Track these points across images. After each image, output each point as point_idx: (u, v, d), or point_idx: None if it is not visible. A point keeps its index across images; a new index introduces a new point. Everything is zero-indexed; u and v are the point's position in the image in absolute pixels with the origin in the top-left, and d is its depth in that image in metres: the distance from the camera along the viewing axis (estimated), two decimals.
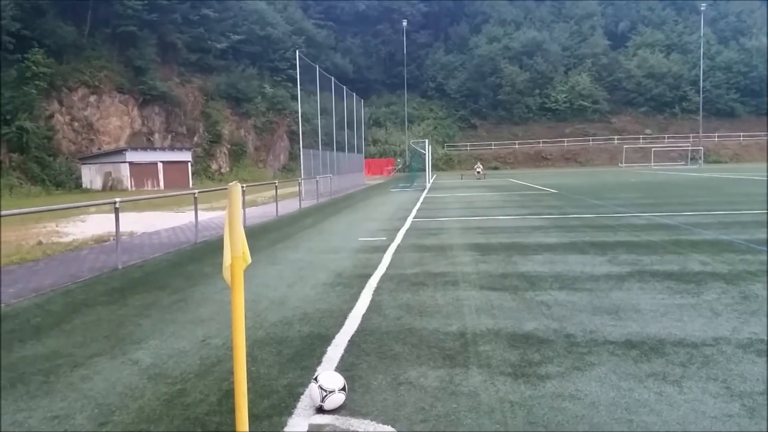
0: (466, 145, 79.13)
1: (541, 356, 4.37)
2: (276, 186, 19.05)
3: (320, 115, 30.07)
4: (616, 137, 77.95)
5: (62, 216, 18.22)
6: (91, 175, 44.59)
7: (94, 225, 15.69)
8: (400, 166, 70.52)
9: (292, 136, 62.59)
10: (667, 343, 4.58)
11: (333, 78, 32.80)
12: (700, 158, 69.00)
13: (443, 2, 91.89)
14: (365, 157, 53.27)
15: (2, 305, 6.59)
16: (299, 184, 22.56)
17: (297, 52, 28.13)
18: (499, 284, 6.91)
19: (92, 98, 49.54)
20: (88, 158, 45.45)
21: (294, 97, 48.77)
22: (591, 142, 78.09)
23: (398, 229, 12.95)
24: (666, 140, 76.42)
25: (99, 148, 47.98)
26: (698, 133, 72.69)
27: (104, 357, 4.72)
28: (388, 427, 3.29)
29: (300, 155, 27.55)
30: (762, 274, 6.96)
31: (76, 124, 48.11)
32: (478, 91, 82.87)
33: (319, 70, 29.31)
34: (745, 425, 3.16)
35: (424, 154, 39.14)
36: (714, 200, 18.21)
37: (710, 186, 26.24)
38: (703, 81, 74.58)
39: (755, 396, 3.53)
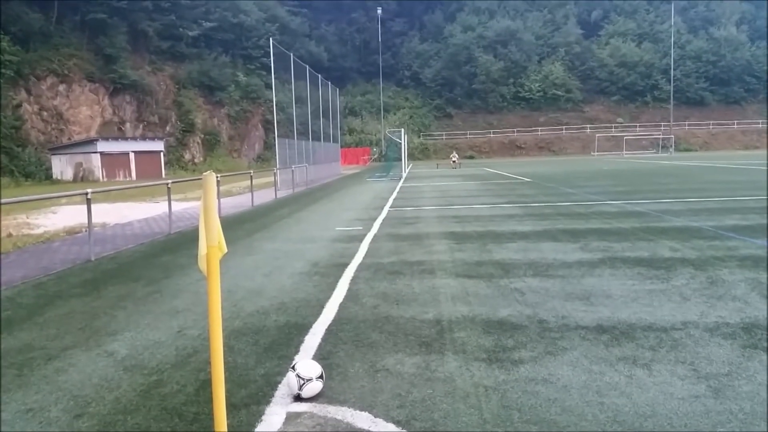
0: (442, 134, 79.35)
1: (515, 342, 4.45)
2: (251, 176, 18.92)
3: (295, 104, 29.86)
4: (588, 126, 78.82)
5: (33, 207, 17.88)
6: (61, 166, 43.74)
7: (65, 216, 15.44)
8: (376, 156, 70.49)
9: (267, 125, 62.11)
10: (637, 327, 4.69)
11: (308, 66, 32.56)
12: (671, 146, 70.17)
13: None
14: (341, 147, 53.12)
15: None
16: (275, 174, 22.44)
17: (271, 39, 27.86)
18: (475, 272, 6.99)
19: (61, 87, 48.49)
20: (58, 148, 44.56)
21: (268, 86, 48.29)
22: (564, 131, 78.87)
23: (375, 219, 12.99)
24: (637, 129, 77.53)
25: (69, 138, 47.04)
26: (669, 121, 73.91)
27: (79, 349, 4.69)
28: (365, 414, 3.33)
29: (275, 145, 27.36)
30: (729, 260, 7.15)
31: (45, 113, 47.06)
32: (453, 80, 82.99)
33: (293, 59, 29.08)
34: (710, 405, 3.27)
35: (400, 143, 39.14)
36: (684, 188, 18.57)
37: (680, 174, 26.73)
38: (674, 70, 75.72)
39: (720, 377, 3.64)
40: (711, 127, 78.54)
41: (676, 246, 8.19)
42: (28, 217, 15.53)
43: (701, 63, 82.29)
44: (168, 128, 56.25)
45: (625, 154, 68.04)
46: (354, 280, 6.80)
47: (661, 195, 16.12)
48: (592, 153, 71.54)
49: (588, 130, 77.97)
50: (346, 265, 7.74)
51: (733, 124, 78.39)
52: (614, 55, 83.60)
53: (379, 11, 76.22)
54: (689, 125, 78.27)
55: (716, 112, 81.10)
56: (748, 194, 15.32)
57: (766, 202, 13.30)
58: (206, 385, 3.76)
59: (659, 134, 73.69)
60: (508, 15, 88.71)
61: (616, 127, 78.14)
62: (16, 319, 5.66)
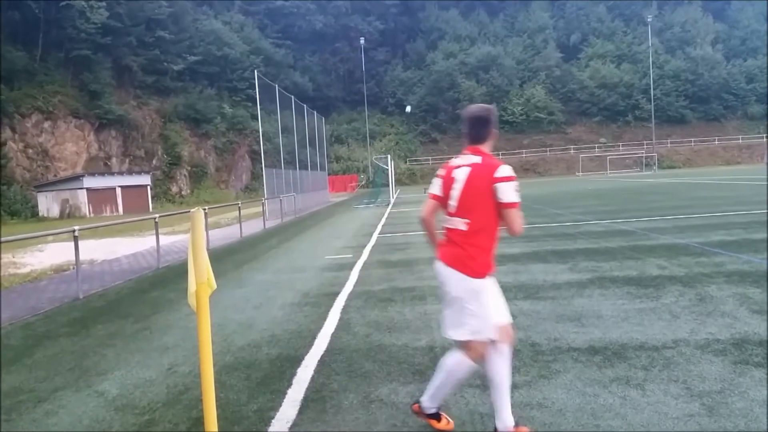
0: (428, 159, 79.80)
1: None
2: (239, 207, 18.90)
3: (282, 133, 30.01)
4: (572, 147, 79.65)
5: (19, 246, 17.70)
6: (47, 203, 43.47)
7: (52, 254, 15.30)
8: (363, 182, 70.71)
9: (254, 155, 62.26)
10: (629, 347, 4.70)
11: (293, 97, 32.80)
12: (654, 164, 71.00)
13: (399, 19, 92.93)
14: (328, 174, 53.24)
15: None
16: (263, 204, 22.42)
17: (255, 71, 28.07)
18: None
19: (46, 124, 48.48)
20: (44, 185, 44.34)
21: (254, 117, 48.52)
22: (548, 153, 79.63)
23: (364, 246, 12.98)
24: (620, 148, 78.45)
25: (55, 175, 46.86)
26: (651, 140, 74.94)
27: (69, 390, 4.62)
28: None
29: (263, 175, 27.41)
30: (716, 276, 7.21)
31: (30, 150, 46.96)
32: (437, 106, 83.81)
33: (278, 89, 29.29)
34: (705, 424, 3.27)
35: (387, 169, 39.29)
36: (669, 205, 18.74)
37: (665, 191, 27.00)
38: (654, 89, 76.99)
39: (713, 395, 3.65)
40: (693, 144, 79.66)
41: (664, 264, 8.25)
42: (14, 256, 15.38)
43: (680, 82, 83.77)
44: (154, 162, 56.19)
45: (610, 173, 68.71)
46: (345, 309, 6.77)
47: (646, 213, 16.26)
48: (577, 173, 72.17)
49: (572, 151, 78.77)
50: (336, 294, 7.72)
51: (714, 140, 79.57)
52: (594, 76, 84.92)
53: (362, 41, 77.19)
54: (671, 143, 79.36)
55: (697, 129, 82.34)
56: (732, 209, 15.49)
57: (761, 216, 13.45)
58: (199, 422, 3.71)
59: (642, 153, 74.59)
60: (488, 41, 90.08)
61: (599, 147, 79.03)
62: (4, 361, 5.57)
